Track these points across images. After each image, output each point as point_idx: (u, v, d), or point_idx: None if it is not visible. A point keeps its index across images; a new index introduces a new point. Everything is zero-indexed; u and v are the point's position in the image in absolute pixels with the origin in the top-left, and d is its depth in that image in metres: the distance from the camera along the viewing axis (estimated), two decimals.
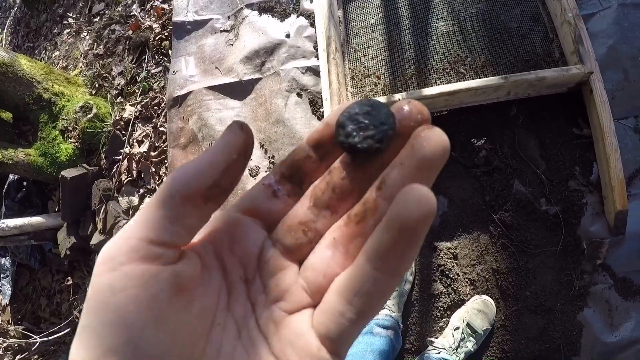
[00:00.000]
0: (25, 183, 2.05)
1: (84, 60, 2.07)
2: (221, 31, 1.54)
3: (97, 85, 1.92)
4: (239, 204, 0.23)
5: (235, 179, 0.20)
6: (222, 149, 0.19)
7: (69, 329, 1.94)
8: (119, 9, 2.06)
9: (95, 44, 2.05)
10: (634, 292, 1.13)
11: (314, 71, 1.44)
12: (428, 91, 1.11)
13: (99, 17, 2.19)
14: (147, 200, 1.72)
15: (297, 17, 1.49)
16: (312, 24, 1.48)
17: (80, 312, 1.91)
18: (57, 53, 2.53)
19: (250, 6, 1.52)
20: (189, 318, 0.18)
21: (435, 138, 0.18)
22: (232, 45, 1.49)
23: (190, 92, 1.49)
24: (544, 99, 1.18)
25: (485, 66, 1.13)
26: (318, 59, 1.39)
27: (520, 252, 1.19)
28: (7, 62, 1.73)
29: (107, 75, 1.89)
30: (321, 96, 1.40)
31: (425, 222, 0.16)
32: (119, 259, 0.18)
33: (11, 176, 2.05)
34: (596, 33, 1.19)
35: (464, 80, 1.12)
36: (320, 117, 1.41)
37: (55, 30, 2.71)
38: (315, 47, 1.46)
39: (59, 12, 2.73)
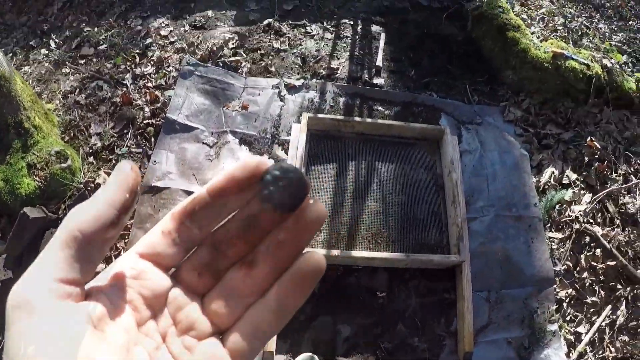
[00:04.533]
0: None
1: (62, 101, 2.14)
2: (203, 143, 1.77)
3: (71, 134, 2.02)
4: (139, 249, 0.25)
5: (128, 215, 0.23)
6: (116, 189, 0.22)
7: None
8: (108, 65, 2.19)
9: (78, 90, 2.14)
10: None
11: None
12: (354, 253, 1.50)
13: (84, 61, 2.28)
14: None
15: (269, 159, 1.78)
16: None
17: None
18: (27, 69, 2.48)
19: (234, 133, 1.78)
20: (105, 351, 0.20)
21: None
22: (211, 161, 1.73)
23: (167, 188, 1.70)
24: (430, 270, 1.65)
25: (395, 242, 1.56)
26: None
27: None
28: (7, 77, 1.71)
29: (84, 129, 2.01)
30: None
31: (319, 277, 0.24)
32: (35, 302, 0.19)
33: None
34: (475, 231, 1.69)
35: (379, 251, 1.54)
36: None
37: (31, 42, 2.62)
38: None
39: (42, 27, 2.66)
